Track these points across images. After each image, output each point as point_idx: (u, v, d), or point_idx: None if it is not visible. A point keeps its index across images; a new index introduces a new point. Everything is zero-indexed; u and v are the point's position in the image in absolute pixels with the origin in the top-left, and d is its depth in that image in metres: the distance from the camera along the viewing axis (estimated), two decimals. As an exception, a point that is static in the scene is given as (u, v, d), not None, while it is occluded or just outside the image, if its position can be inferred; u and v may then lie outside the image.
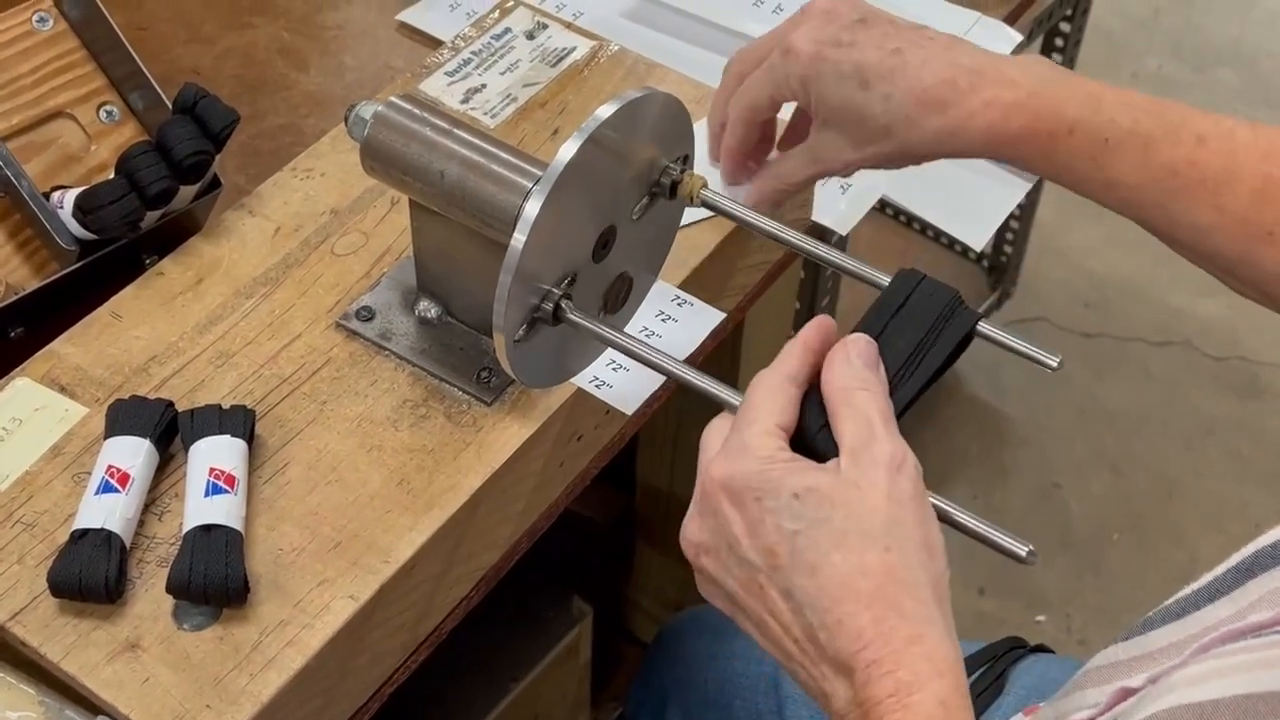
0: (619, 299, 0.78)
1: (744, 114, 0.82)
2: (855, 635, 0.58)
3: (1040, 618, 1.79)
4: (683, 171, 0.76)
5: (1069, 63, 1.81)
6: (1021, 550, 0.62)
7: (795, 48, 0.78)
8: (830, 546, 0.59)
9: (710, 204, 0.77)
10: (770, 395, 0.64)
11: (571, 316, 0.73)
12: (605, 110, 0.69)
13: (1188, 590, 0.68)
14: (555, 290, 0.72)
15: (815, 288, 1.47)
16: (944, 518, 0.64)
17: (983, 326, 0.68)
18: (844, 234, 1.01)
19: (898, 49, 0.77)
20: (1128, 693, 0.66)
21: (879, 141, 0.78)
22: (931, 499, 0.63)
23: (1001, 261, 1.98)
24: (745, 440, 0.62)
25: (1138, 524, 1.89)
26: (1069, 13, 1.71)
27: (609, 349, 0.78)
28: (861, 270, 0.73)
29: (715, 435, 0.65)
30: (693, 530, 0.64)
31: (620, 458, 1.52)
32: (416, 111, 0.77)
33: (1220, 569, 0.67)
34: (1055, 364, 0.68)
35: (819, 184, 0.98)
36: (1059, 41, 1.77)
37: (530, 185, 0.73)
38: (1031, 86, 0.76)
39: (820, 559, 0.59)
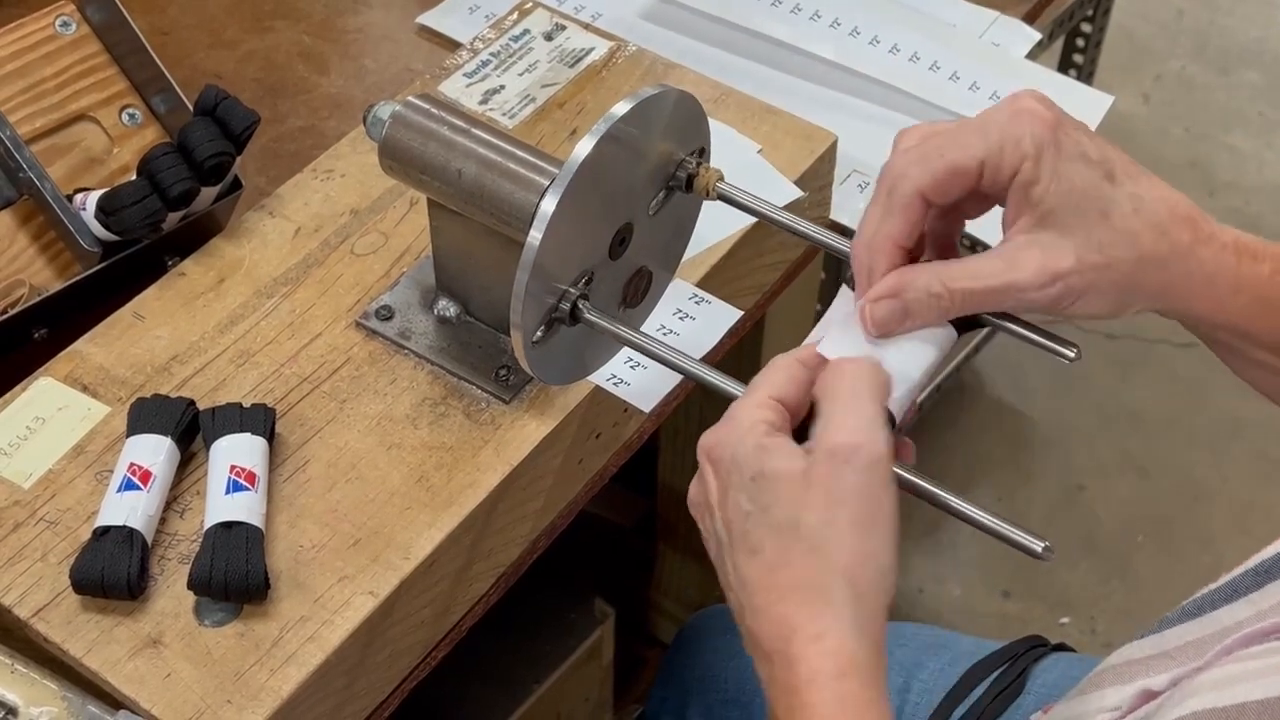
0: (639, 293, 0.79)
1: (939, 181, 0.64)
2: (774, 622, 0.59)
3: (1064, 620, 1.78)
4: (698, 165, 0.76)
5: (1091, 64, 1.81)
6: (1037, 546, 0.61)
7: (1032, 108, 0.63)
8: (766, 534, 0.60)
9: (726, 197, 0.77)
10: (773, 370, 0.64)
11: (589, 316, 0.73)
12: (620, 108, 0.69)
13: (1206, 590, 0.67)
14: (572, 290, 0.72)
15: (836, 290, 1.46)
16: (962, 516, 0.63)
17: (995, 316, 0.68)
18: (863, 233, 1.01)
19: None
20: (1150, 695, 0.65)
21: (1116, 249, 0.63)
22: (947, 497, 0.63)
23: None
24: (735, 411, 0.63)
25: (1163, 527, 1.88)
26: (1090, 13, 1.71)
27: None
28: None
29: None
30: (692, 488, 0.65)
31: (642, 461, 1.52)
32: (434, 111, 0.77)
33: (1239, 570, 0.66)
34: (1073, 355, 0.67)
35: (838, 182, 0.99)
36: (1080, 43, 1.77)
37: (547, 183, 0.73)
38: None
39: (757, 544, 0.60)
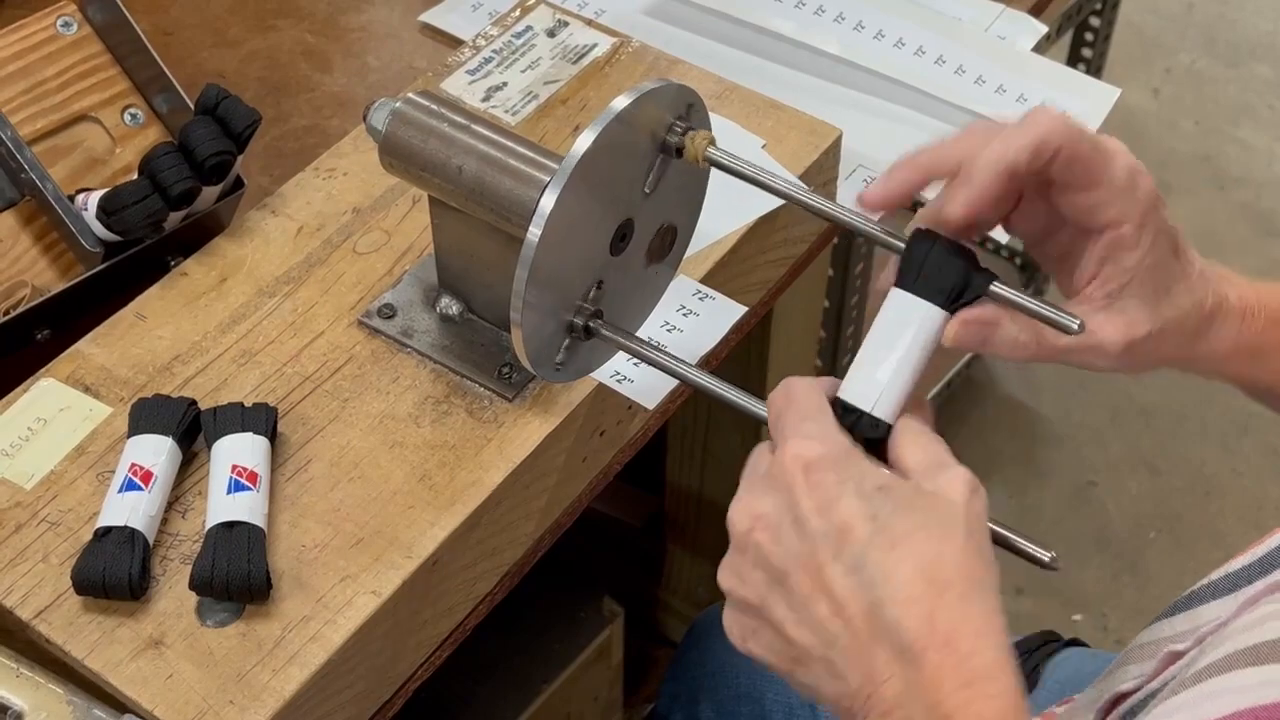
0: (665, 247, 0.77)
1: (1067, 150, 0.65)
2: (926, 617, 0.56)
3: (1077, 617, 1.78)
4: (685, 132, 0.72)
5: (1099, 58, 1.80)
6: (1045, 556, 0.62)
7: (1146, 174, 0.66)
8: (913, 527, 0.58)
9: (716, 163, 0.73)
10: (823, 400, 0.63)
11: (604, 332, 0.72)
12: (620, 102, 0.69)
13: (1237, 565, 0.67)
14: (586, 305, 0.72)
15: (844, 286, 1.46)
16: None
17: (998, 288, 0.68)
18: (868, 228, 1.01)
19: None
20: (1175, 656, 0.65)
21: (1167, 323, 0.69)
22: None
23: (1034, 258, 1.97)
24: (825, 429, 0.61)
25: (1175, 523, 1.87)
26: (1098, 6, 1.70)
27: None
28: (877, 234, 0.71)
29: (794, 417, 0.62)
30: (751, 503, 0.61)
31: (650, 460, 1.52)
32: (434, 108, 0.77)
33: (1271, 542, 0.65)
34: (1076, 326, 0.66)
35: (842, 177, 0.98)
36: (1089, 36, 1.76)
37: (547, 179, 0.72)
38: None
39: (902, 537, 0.57)
